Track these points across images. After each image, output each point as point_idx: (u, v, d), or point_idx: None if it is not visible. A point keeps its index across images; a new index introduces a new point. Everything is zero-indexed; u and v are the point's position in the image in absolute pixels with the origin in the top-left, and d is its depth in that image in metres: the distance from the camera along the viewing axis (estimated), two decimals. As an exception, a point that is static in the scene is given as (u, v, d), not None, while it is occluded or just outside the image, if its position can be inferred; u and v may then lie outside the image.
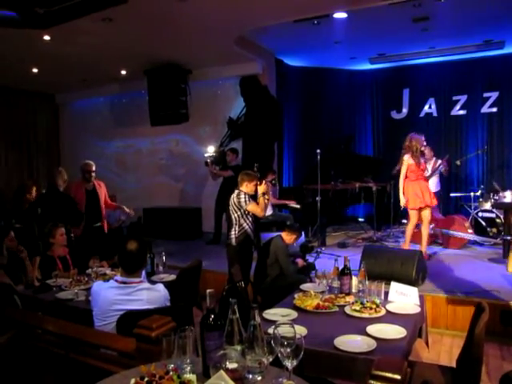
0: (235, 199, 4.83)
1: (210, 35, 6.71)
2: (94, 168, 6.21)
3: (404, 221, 8.30)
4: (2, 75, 8.87)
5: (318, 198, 6.94)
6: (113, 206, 6.68)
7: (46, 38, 6.57)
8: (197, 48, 7.35)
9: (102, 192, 6.34)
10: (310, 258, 6.11)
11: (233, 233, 4.84)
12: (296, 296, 3.24)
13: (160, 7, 5.74)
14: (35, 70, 8.68)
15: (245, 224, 4.83)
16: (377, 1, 5.50)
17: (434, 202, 6.29)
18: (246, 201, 4.77)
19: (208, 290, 1.80)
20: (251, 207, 4.79)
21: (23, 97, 10.57)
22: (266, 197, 4.97)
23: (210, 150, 7.86)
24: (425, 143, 6.24)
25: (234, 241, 4.83)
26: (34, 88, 10.39)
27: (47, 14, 5.75)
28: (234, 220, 4.86)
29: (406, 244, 6.44)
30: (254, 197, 4.94)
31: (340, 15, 6.53)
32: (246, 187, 4.85)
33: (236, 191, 4.90)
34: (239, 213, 4.81)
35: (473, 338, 2.47)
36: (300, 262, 5.13)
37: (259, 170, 5.39)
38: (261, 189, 4.89)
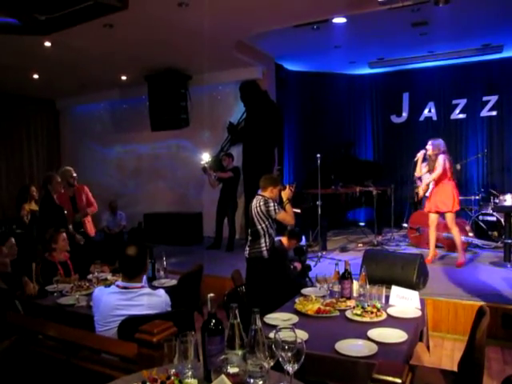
0: (262, 207, 4.38)
1: (210, 41, 6.74)
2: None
3: (405, 225, 8.32)
4: (3, 81, 8.90)
5: (318, 203, 6.94)
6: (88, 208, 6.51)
7: (47, 44, 6.60)
8: (197, 53, 7.37)
9: (82, 197, 6.28)
10: (311, 262, 6.12)
11: (263, 245, 4.44)
12: (297, 300, 3.24)
13: (160, 13, 5.77)
14: (36, 76, 8.72)
15: (273, 234, 4.51)
16: (375, 6, 5.52)
17: (441, 208, 6.18)
18: (275, 209, 4.37)
19: (209, 295, 1.81)
20: (281, 216, 4.41)
21: (24, 102, 10.59)
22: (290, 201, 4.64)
23: (205, 157, 7.88)
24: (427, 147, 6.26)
25: (266, 253, 4.44)
26: (34, 94, 10.43)
27: (48, 20, 5.78)
28: (261, 231, 4.43)
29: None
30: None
31: (339, 20, 6.56)
32: (271, 192, 4.46)
33: (260, 198, 4.46)
34: (267, 222, 4.41)
35: (474, 342, 2.47)
36: (298, 265, 5.13)
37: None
38: (285, 194, 4.53)
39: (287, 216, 4.46)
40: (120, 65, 8.23)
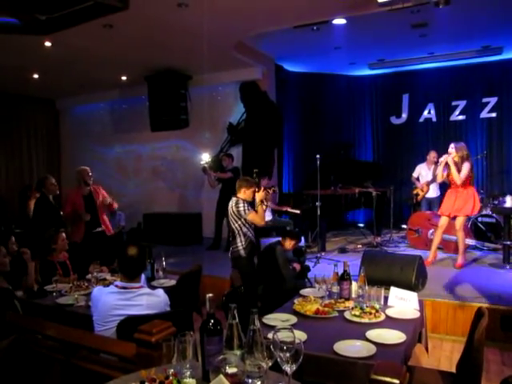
0: (234, 208, 4.61)
1: (210, 41, 6.75)
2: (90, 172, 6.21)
3: (404, 226, 8.31)
4: (3, 81, 8.91)
5: (317, 204, 6.94)
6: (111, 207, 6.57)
7: (47, 44, 6.61)
8: (197, 54, 7.37)
9: (100, 196, 6.29)
10: (310, 263, 6.12)
11: (239, 244, 4.61)
12: (296, 301, 3.25)
13: (160, 13, 5.77)
14: (36, 76, 8.72)
15: (249, 232, 4.64)
16: (375, 7, 5.52)
17: (461, 212, 6.10)
18: (245, 210, 4.55)
19: (208, 295, 1.81)
20: (251, 217, 4.57)
21: (24, 102, 10.60)
22: (265, 203, 4.74)
23: (205, 158, 7.88)
24: (449, 150, 6.12)
25: (243, 252, 4.59)
26: (34, 94, 10.44)
27: (48, 20, 5.79)
28: (235, 230, 4.63)
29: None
30: (252, 203, 4.74)
31: (339, 21, 6.56)
32: (244, 194, 4.64)
33: (234, 199, 4.68)
34: (240, 222, 4.60)
35: (472, 343, 2.47)
36: (297, 266, 5.13)
37: (258, 176, 5.25)
38: (259, 196, 4.64)
39: (256, 217, 4.61)
40: (120, 65, 8.24)
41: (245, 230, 4.62)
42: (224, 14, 5.85)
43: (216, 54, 7.25)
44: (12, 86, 9.44)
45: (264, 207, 4.71)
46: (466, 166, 6.01)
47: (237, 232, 4.64)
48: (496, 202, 7.20)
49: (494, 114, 9.06)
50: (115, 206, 6.43)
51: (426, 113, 9.71)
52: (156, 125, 9.15)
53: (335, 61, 8.96)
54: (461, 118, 9.37)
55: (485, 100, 9.10)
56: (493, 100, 9.02)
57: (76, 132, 11.32)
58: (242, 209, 4.56)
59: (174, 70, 8.67)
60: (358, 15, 6.13)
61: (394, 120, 10.09)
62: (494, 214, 7.18)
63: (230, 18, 6.07)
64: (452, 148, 6.11)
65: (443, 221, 6.28)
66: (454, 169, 6.05)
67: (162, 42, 6.89)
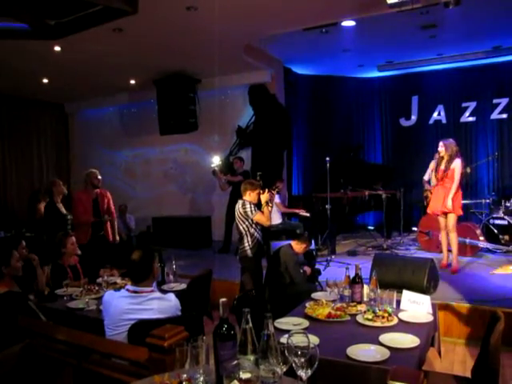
0: (241, 209, 4.80)
1: (219, 44, 6.76)
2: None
3: (414, 228, 8.25)
4: (13, 85, 8.99)
5: (327, 206, 6.91)
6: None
7: (57, 48, 6.66)
8: (206, 57, 7.39)
9: (105, 201, 6.29)
10: (320, 266, 6.08)
11: (246, 244, 4.80)
12: (307, 305, 3.22)
13: (170, 17, 5.79)
14: (45, 80, 8.79)
15: (256, 233, 4.81)
16: (385, 9, 5.50)
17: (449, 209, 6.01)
18: (251, 211, 4.75)
19: (221, 300, 1.79)
20: (257, 217, 4.77)
21: (33, 106, 10.67)
22: (270, 205, 4.90)
23: (216, 160, 7.88)
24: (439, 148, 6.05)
25: (249, 252, 4.79)
26: (43, 98, 10.51)
27: (58, 25, 5.82)
28: (243, 231, 4.82)
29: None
30: (258, 205, 4.89)
31: (348, 23, 6.55)
32: (250, 196, 4.83)
33: (240, 201, 4.88)
34: (247, 223, 4.79)
35: (488, 348, 2.43)
36: (308, 269, 5.11)
37: (262, 179, 5.34)
38: (264, 197, 4.84)
39: (262, 217, 4.79)
40: (129, 69, 8.27)
41: (252, 230, 4.80)
42: (233, 17, 5.85)
43: (225, 57, 7.25)
44: (21, 90, 9.52)
45: (269, 208, 4.87)
46: (458, 166, 5.88)
47: (244, 233, 4.81)
48: (508, 204, 7.14)
49: (504, 115, 8.97)
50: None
51: (435, 114, 9.64)
52: (165, 128, 9.18)
53: (344, 63, 8.94)
54: (471, 119, 9.30)
55: (495, 101, 9.02)
56: (504, 101, 8.93)
57: (85, 136, 11.38)
58: (248, 210, 4.75)
59: (183, 74, 8.69)
60: (367, 17, 6.11)
61: (404, 122, 10.04)
62: (506, 216, 7.11)
63: (238, 21, 6.08)
64: (441, 146, 5.98)
65: (440, 221, 6.21)
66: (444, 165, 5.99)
67: (171, 45, 6.91)
